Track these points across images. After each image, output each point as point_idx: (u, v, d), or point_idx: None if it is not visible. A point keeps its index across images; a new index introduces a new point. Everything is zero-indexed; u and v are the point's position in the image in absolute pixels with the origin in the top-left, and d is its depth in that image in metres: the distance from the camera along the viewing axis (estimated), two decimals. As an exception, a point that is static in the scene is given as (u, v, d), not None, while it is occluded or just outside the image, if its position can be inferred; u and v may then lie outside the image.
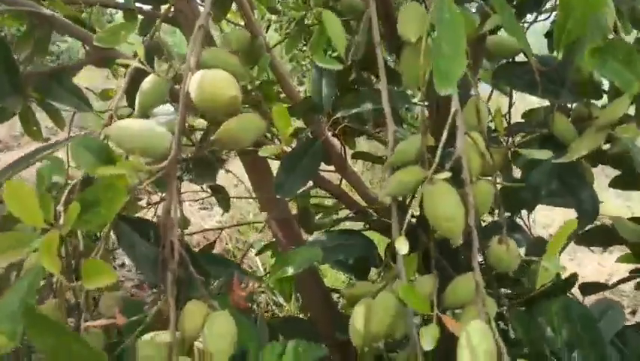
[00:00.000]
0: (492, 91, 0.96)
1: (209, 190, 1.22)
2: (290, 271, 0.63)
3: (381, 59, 0.65)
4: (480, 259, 0.74)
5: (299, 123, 1.09)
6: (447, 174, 0.53)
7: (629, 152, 0.63)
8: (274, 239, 1.16)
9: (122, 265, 2.19)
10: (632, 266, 0.99)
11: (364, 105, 0.81)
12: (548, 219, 2.49)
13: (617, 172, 0.89)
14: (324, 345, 0.87)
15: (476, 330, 0.47)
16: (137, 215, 0.94)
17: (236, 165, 1.37)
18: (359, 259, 0.93)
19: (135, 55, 0.66)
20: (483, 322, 0.49)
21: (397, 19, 0.61)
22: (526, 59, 0.66)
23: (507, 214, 0.98)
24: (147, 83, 0.62)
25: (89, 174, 0.62)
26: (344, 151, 1.16)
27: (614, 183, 0.90)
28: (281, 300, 1.85)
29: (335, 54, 0.84)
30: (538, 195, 0.67)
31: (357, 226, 1.05)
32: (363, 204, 1.07)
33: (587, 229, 0.86)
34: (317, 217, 1.20)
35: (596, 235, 0.88)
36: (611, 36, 0.56)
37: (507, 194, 0.66)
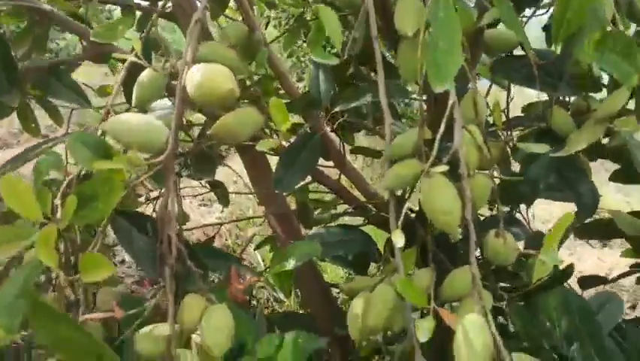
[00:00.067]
0: (490, 86, 0.96)
1: (207, 186, 1.22)
2: (289, 265, 0.64)
3: (379, 53, 0.64)
4: (479, 253, 0.74)
5: (298, 120, 1.09)
6: (444, 168, 0.52)
7: (628, 145, 0.63)
8: (273, 234, 1.16)
9: (122, 261, 2.20)
10: (632, 261, 0.99)
11: (363, 99, 0.81)
12: (547, 213, 2.49)
13: (616, 166, 0.89)
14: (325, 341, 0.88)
15: (472, 323, 0.47)
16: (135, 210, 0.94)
17: (235, 161, 1.37)
18: (358, 254, 0.93)
19: (132, 50, 0.66)
20: (479, 315, 0.49)
21: (394, 12, 0.61)
22: (524, 53, 0.66)
23: (506, 208, 0.98)
24: (144, 77, 0.62)
25: (87, 170, 0.62)
26: (343, 147, 1.16)
27: (614, 177, 0.90)
28: (281, 296, 1.85)
29: (334, 50, 0.84)
30: (536, 189, 0.67)
31: (357, 221, 1.05)
32: (363, 199, 1.07)
33: (586, 222, 0.86)
34: (316, 212, 1.20)
35: (596, 228, 0.88)
36: (609, 29, 0.56)
37: (505, 188, 0.66)
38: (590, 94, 0.72)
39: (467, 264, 0.54)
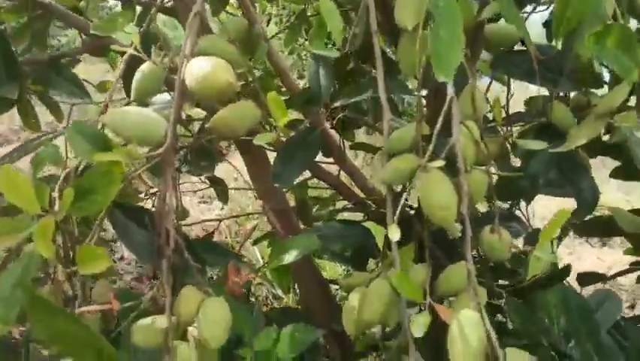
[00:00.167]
0: (490, 82, 0.96)
1: (207, 181, 1.22)
2: (287, 259, 0.63)
3: (378, 48, 0.64)
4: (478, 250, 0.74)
5: (298, 117, 1.09)
6: (441, 163, 0.52)
7: (628, 144, 0.62)
8: (272, 230, 1.16)
9: (121, 258, 2.20)
10: (632, 261, 0.99)
11: (363, 95, 0.81)
12: (547, 211, 2.48)
13: (616, 164, 0.89)
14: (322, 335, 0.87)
15: (467, 318, 0.47)
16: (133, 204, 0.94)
17: (235, 158, 1.37)
18: (356, 250, 0.93)
19: (132, 44, 0.65)
20: (475, 310, 0.49)
21: (394, 7, 0.60)
22: (524, 48, 0.66)
23: (506, 205, 0.98)
24: (143, 70, 0.62)
25: (85, 162, 0.62)
26: (342, 143, 1.16)
27: (615, 174, 0.89)
28: (280, 293, 1.85)
29: (336, 48, 0.84)
30: (536, 185, 0.67)
31: (356, 217, 1.05)
32: (362, 196, 1.07)
33: (586, 219, 0.86)
34: (314, 209, 1.20)
35: (595, 226, 0.87)
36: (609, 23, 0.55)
37: (505, 183, 0.65)
38: (591, 90, 0.72)
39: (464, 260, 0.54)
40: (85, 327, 0.44)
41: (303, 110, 0.97)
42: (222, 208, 2.31)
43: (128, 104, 0.73)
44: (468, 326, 0.47)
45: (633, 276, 1.06)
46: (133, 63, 0.65)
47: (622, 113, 0.60)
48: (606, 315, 0.70)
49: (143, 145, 0.53)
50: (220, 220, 1.30)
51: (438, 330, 0.51)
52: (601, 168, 0.99)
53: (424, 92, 1.01)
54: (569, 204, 0.78)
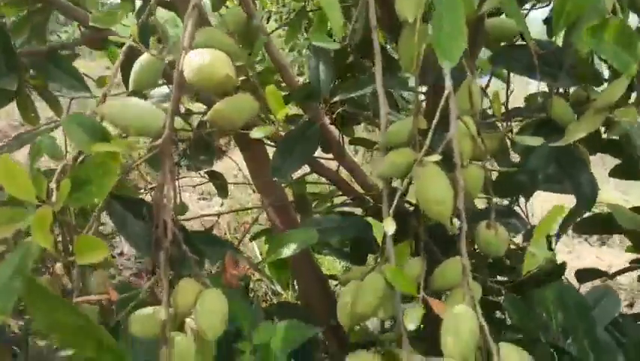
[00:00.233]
0: (490, 78, 0.96)
1: (206, 176, 1.22)
2: (286, 252, 0.63)
3: (377, 43, 0.64)
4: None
5: (298, 112, 1.09)
6: (437, 157, 0.52)
7: (628, 136, 0.62)
8: (270, 226, 1.16)
9: (121, 253, 2.20)
10: (631, 260, 0.99)
11: (363, 89, 0.81)
12: (547, 207, 2.48)
13: (615, 163, 0.89)
14: (320, 330, 0.87)
15: (460, 311, 0.47)
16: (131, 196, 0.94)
17: (235, 156, 1.37)
18: (355, 245, 0.93)
19: (131, 36, 0.65)
20: (468, 304, 0.49)
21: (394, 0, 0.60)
22: (524, 43, 0.66)
23: (506, 201, 0.98)
24: (141, 61, 0.62)
25: (84, 156, 0.61)
26: (342, 139, 1.16)
27: (614, 173, 0.89)
28: (279, 289, 1.85)
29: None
30: (535, 180, 0.67)
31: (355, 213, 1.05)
32: (362, 192, 1.07)
33: (585, 217, 0.86)
34: (313, 205, 1.20)
35: (594, 223, 0.87)
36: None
37: (504, 178, 0.65)
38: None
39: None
40: (83, 316, 0.44)
41: (303, 106, 0.97)
42: (222, 205, 2.31)
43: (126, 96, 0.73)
44: (460, 318, 0.47)
45: (632, 275, 1.06)
46: (131, 55, 0.65)
47: (621, 108, 0.59)
48: (604, 312, 0.70)
49: (141, 136, 0.53)
50: (219, 215, 1.30)
51: (433, 325, 0.51)
52: (600, 168, 0.99)
53: (423, 89, 1.01)
54: (569, 201, 0.78)
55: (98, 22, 0.71)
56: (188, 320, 0.52)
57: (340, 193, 1.12)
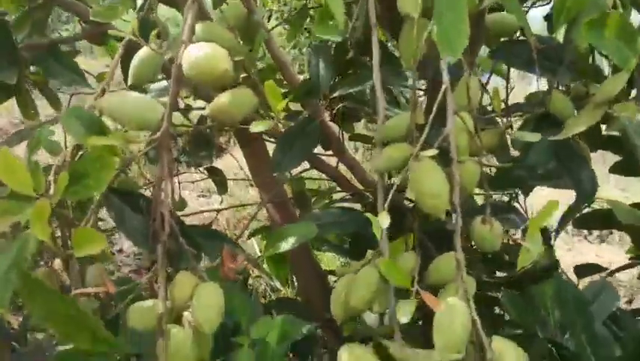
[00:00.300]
0: (490, 76, 0.96)
1: (206, 173, 1.22)
2: (285, 246, 0.63)
3: (376, 37, 0.64)
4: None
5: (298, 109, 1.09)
6: (433, 152, 0.52)
7: (627, 134, 0.62)
8: (270, 223, 1.16)
9: (120, 250, 2.20)
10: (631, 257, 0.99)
11: (364, 85, 0.81)
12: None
13: (616, 159, 0.89)
14: (318, 326, 0.87)
15: (453, 305, 0.48)
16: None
17: (237, 154, 1.37)
18: (354, 241, 0.92)
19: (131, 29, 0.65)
20: (461, 298, 0.49)
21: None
22: (524, 38, 0.66)
23: (505, 197, 0.98)
24: (140, 55, 0.62)
25: (83, 151, 0.61)
26: (342, 135, 1.16)
27: (614, 169, 0.89)
28: (278, 285, 1.85)
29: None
30: (534, 175, 0.66)
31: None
32: (361, 188, 1.07)
33: (584, 212, 0.85)
34: (312, 201, 1.20)
35: (594, 219, 0.87)
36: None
37: (502, 173, 0.65)
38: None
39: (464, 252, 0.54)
40: (78, 307, 0.44)
41: (303, 102, 0.97)
42: (221, 202, 2.31)
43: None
44: (453, 311, 0.47)
45: (632, 272, 1.06)
46: (131, 50, 0.65)
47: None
48: (602, 307, 0.70)
49: (139, 129, 0.53)
50: (218, 210, 1.30)
51: (428, 322, 0.51)
52: (601, 165, 0.99)
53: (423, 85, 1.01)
54: (570, 197, 0.78)
55: (98, 16, 0.71)
56: (186, 313, 0.52)
57: (339, 190, 1.12)
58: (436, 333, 0.48)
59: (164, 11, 1.13)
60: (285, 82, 1.04)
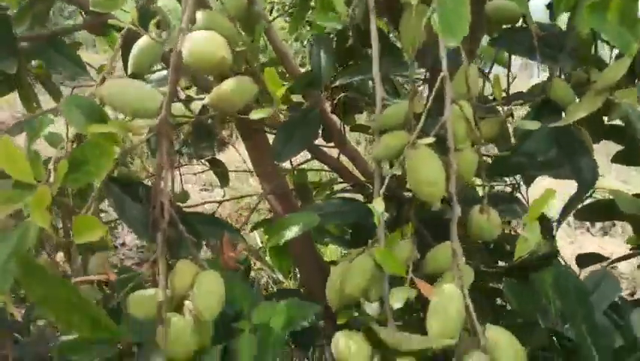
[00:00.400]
0: (492, 66, 0.95)
1: (207, 164, 1.22)
2: (288, 235, 0.63)
3: (374, 25, 0.64)
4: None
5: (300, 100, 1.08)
6: (430, 140, 0.52)
7: (629, 120, 0.61)
8: (272, 216, 1.16)
9: (123, 243, 2.21)
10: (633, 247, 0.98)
11: (365, 75, 0.81)
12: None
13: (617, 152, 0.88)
14: (320, 319, 0.87)
15: (447, 291, 0.48)
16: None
17: (240, 147, 1.37)
18: (356, 232, 0.92)
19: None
20: (457, 285, 0.49)
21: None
22: (526, 26, 0.65)
23: (508, 188, 0.97)
24: (140, 44, 0.62)
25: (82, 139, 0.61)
26: (343, 127, 1.16)
27: (616, 159, 0.89)
28: (280, 277, 1.86)
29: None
30: (534, 161, 0.66)
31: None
32: (363, 179, 1.07)
33: (586, 203, 0.85)
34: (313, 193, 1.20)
35: (596, 209, 0.87)
36: None
37: (501, 160, 0.65)
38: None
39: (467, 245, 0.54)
40: (79, 294, 0.44)
41: (304, 94, 0.97)
42: (223, 196, 2.32)
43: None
44: (447, 298, 0.47)
45: (634, 263, 1.05)
46: (131, 40, 0.65)
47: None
48: (603, 296, 0.70)
49: (138, 117, 0.53)
50: (220, 202, 1.30)
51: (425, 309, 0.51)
52: (602, 156, 0.98)
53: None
54: (572, 188, 0.77)
55: (98, 6, 0.71)
56: (187, 302, 0.52)
57: (341, 181, 1.12)
58: (430, 319, 0.48)
59: (165, 1, 1.13)
60: (287, 75, 1.04)
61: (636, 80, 0.66)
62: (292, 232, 0.64)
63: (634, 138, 0.64)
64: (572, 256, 1.03)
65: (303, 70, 1.06)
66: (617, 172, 2.70)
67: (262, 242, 2.04)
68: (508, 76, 0.78)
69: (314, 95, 0.92)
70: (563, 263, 0.83)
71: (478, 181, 0.64)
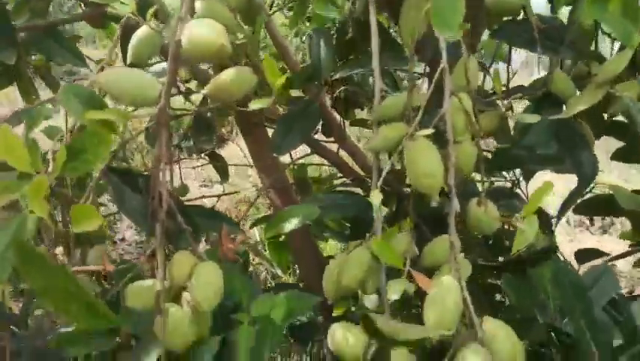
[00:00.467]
0: (493, 61, 0.95)
1: (206, 158, 1.22)
2: (287, 227, 0.63)
3: (374, 18, 0.63)
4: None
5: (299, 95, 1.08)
6: (429, 131, 0.52)
7: (631, 115, 0.61)
8: (272, 211, 1.16)
9: (123, 239, 2.21)
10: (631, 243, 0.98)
11: (365, 68, 0.81)
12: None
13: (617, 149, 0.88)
14: (319, 314, 0.87)
15: (445, 283, 0.47)
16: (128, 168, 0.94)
17: (240, 142, 1.37)
18: (355, 226, 0.92)
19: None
20: (454, 278, 0.49)
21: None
22: (526, 18, 0.65)
23: (508, 183, 0.97)
24: (139, 34, 0.62)
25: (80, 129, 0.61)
26: (343, 122, 1.16)
27: (616, 156, 0.89)
28: (279, 272, 1.86)
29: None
30: (533, 155, 0.66)
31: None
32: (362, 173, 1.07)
33: (586, 198, 0.85)
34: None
35: (595, 205, 0.87)
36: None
37: (500, 153, 0.65)
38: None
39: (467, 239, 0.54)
40: (77, 282, 0.43)
41: (304, 88, 0.96)
42: (223, 192, 2.32)
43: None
44: (444, 290, 0.47)
45: (632, 262, 1.05)
46: (130, 31, 0.65)
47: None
48: (602, 291, 0.70)
49: (136, 106, 0.53)
50: (219, 196, 1.30)
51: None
52: (602, 152, 0.98)
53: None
54: (572, 183, 0.77)
55: (97, -3, 0.71)
56: (185, 293, 0.52)
57: (341, 176, 1.12)
58: (427, 310, 0.48)
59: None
60: (287, 69, 1.04)
61: (637, 74, 0.65)
62: (292, 224, 0.64)
63: (636, 134, 0.63)
64: (571, 254, 1.03)
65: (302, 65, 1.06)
66: (618, 171, 2.70)
67: (261, 238, 2.04)
68: (508, 70, 0.78)
69: (314, 89, 0.91)
70: (562, 259, 0.83)
71: (478, 177, 0.64)
